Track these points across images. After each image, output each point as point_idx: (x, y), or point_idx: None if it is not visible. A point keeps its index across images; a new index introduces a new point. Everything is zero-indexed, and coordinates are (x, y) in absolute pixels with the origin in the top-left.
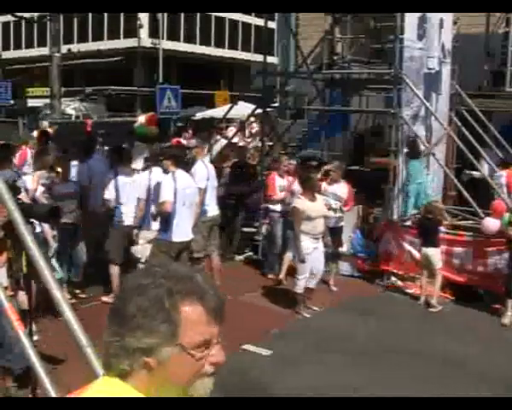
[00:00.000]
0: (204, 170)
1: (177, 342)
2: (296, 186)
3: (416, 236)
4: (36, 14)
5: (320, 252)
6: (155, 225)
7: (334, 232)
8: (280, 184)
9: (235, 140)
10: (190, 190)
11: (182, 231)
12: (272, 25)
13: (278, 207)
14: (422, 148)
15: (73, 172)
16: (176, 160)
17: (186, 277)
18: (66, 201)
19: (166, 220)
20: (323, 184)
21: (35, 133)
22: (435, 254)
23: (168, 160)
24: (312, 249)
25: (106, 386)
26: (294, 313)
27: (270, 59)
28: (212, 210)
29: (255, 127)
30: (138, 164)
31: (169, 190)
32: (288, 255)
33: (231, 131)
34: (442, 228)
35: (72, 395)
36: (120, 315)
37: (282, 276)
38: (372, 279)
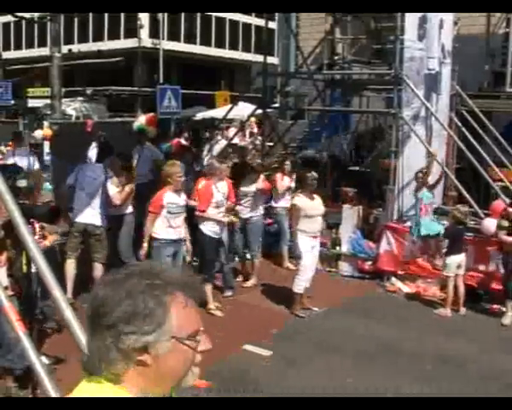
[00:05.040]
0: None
1: (173, 335)
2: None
3: (445, 246)
4: (36, 15)
5: (316, 250)
6: None
7: (221, 242)
8: (216, 196)
9: (235, 140)
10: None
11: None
12: (272, 25)
13: (283, 203)
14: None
15: None
16: None
17: (165, 272)
18: None
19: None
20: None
21: (36, 133)
22: (464, 260)
23: None
24: (310, 248)
25: (98, 387)
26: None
27: (270, 59)
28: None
29: (255, 127)
30: None
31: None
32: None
33: (232, 131)
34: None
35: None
36: (110, 319)
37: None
38: (372, 280)
